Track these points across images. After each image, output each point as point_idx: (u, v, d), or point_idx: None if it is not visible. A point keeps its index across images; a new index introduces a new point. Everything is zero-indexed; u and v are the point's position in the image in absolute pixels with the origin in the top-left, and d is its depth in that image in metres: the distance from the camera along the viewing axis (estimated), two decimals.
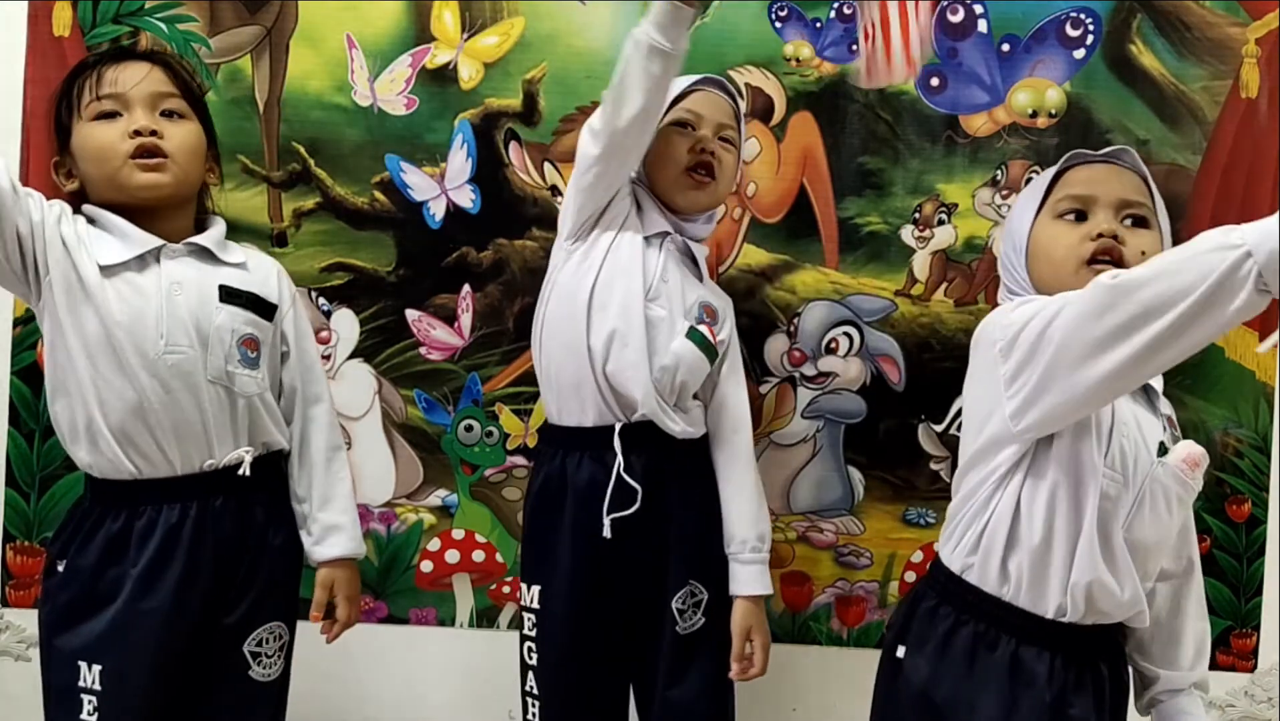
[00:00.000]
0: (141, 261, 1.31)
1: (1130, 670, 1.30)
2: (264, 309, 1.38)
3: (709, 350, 1.49)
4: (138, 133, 1.30)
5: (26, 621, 1.82)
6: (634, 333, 1.44)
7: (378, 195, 1.85)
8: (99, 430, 1.29)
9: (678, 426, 1.47)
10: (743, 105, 1.57)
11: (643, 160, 1.52)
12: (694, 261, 1.54)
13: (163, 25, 1.82)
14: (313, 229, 1.85)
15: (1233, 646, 1.88)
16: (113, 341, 1.28)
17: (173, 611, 1.30)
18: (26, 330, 1.83)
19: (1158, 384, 1.26)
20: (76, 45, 1.82)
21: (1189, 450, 1.21)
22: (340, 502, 1.43)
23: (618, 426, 1.46)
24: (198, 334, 1.31)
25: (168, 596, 1.30)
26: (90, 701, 1.29)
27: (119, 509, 1.31)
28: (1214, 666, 1.86)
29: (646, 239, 1.49)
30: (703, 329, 1.48)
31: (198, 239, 1.35)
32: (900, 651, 1.28)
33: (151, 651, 1.30)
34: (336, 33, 1.83)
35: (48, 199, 1.31)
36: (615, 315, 1.45)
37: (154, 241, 1.32)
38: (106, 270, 1.29)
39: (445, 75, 1.84)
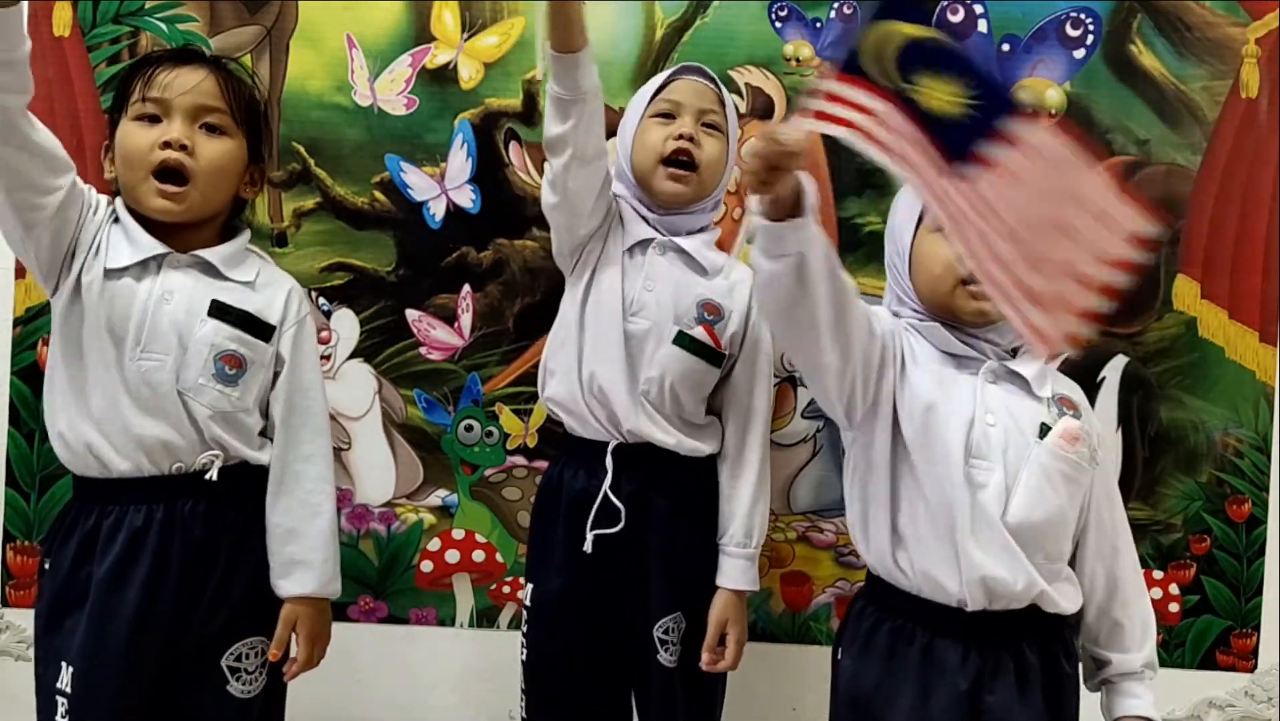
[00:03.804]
0: (143, 267, 1.32)
1: (1081, 655, 1.31)
2: (258, 328, 1.36)
3: (704, 352, 1.48)
4: (168, 144, 1.30)
5: (26, 621, 1.82)
6: (612, 352, 1.46)
7: (378, 195, 1.85)
8: (72, 424, 1.31)
9: (671, 439, 1.47)
10: (727, 92, 1.56)
11: (628, 156, 1.53)
12: (693, 259, 1.52)
13: (163, 25, 1.82)
14: (313, 229, 1.85)
15: (1233, 646, 1.88)
16: (97, 342, 1.29)
17: (140, 615, 1.29)
18: (26, 330, 1.83)
19: (1028, 371, 1.26)
20: (76, 45, 1.82)
21: (1065, 426, 1.24)
22: (311, 540, 1.36)
23: (611, 444, 1.47)
24: (178, 344, 1.31)
25: (134, 599, 1.29)
26: (63, 703, 1.29)
27: (92, 507, 1.32)
28: (1214, 666, 1.87)
29: (629, 250, 1.50)
30: (696, 331, 1.47)
31: (203, 252, 1.35)
32: (839, 654, 1.32)
33: (119, 656, 1.28)
34: (336, 33, 1.83)
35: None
36: (596, 338, 1.47)
37: (159, 249, 1.33)
38: (110, 273, 1.31)
39: (445, 75, 1.84)
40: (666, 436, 1.47)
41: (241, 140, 1.38)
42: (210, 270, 1.35)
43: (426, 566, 1.87)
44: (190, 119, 1.33)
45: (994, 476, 1.21)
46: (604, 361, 1.46)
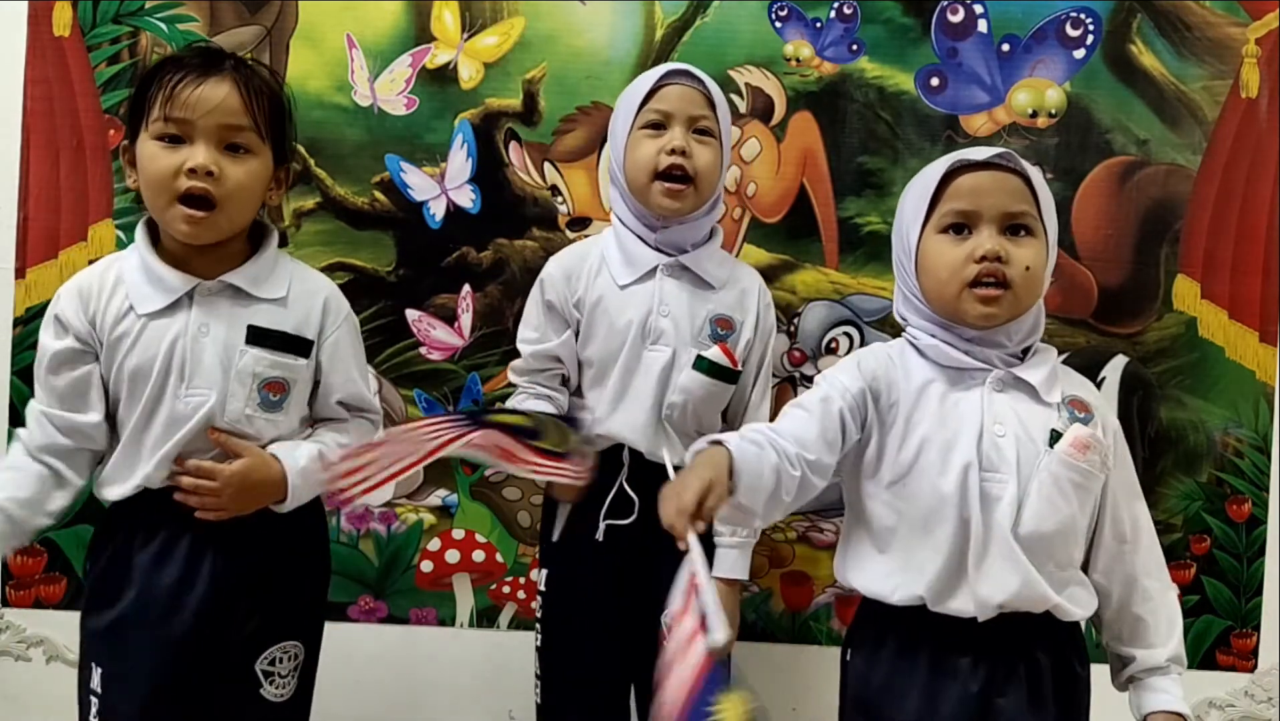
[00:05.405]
0: (175, 304, 1.31)
1: (1107, 654, 1.31)
2: (296, 346, 1.34)
3: (723, 373, 1.48)
4: (193, 171, 1.26)
5: (26, 621, 1.82)
6: (625, 395, 1.50)
7: (378, 195, 1.85)
8: (123, 471, 1.31)
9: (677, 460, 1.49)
10: (716, 90, 1.54)
11: (621, 166, 1.53)
12: (699, 276, 1.53)
13: (163, 25, 1.82)
14: (313, 229, 1.85)
15: (1233, 646, 1.88)
16: (146, 379, 1.29)
17: (169, 617, 1.29)
18: (26, 330, 1.83)
19: (1035, 377, 1.24)
20: (76, 45, 1.82)
21: (1076, 434, 1.21)
22: (306, 448, 1.33)
23: (628, 444, 1.50)
24: (222, 376, 1.30)
25: (164, 602, 1.29)
26: (95, 704, 1.30)
27: (135, 511, 1.32)
28: (1214, 666, 1.87)
29: (639, 279, 1.51)
30: (713, 352, 1.48)
31: (231, 277, 1.32)
32: (848, 655, 1.31)
33: (148, 657, 1.28)
34: (336, 33, 1.83)
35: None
36: (620, 394, 1.50)
37: (187, 285, 1.31)
38: (143, 317, 1.30)
39: (445, 75, 1.84)
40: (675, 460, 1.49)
41: (267, 153, 1.33)
42: (241, 294, 1.33)
43: (426, 566, 1.87)
44: (215, 141, 1.28)
45: (1008, 489, 1.19)
46: (616, 403, 1.50)
